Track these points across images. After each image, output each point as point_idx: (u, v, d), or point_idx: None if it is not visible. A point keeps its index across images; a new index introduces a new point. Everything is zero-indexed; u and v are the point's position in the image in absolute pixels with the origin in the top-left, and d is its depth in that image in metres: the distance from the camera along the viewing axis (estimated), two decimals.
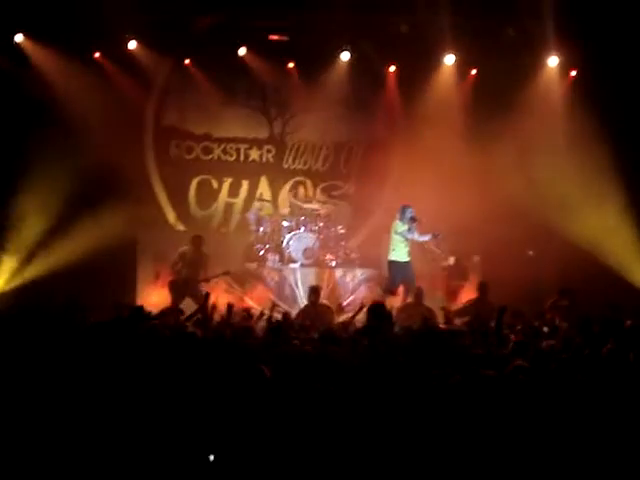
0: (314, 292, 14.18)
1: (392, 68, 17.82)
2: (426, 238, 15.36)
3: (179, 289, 15.36)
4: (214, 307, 12.20)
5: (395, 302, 14.61)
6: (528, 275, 16.34)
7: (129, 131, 17.18)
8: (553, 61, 17.28)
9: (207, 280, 15.34)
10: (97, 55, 16.79)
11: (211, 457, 6.06)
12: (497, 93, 16.84)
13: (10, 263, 16.03)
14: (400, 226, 15.15)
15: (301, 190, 18.07)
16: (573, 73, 17.41)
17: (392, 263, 15.29)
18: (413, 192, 16.55)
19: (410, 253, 15.32)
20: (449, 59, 17.37)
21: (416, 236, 15.17)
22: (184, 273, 15.59)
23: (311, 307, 14.01)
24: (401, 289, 15.27)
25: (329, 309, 14.29)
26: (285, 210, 17.69)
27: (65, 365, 7.23)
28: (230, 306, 11.77)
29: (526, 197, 16.28)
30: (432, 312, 13.89)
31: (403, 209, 15.23)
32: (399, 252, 15.21)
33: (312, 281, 15.91)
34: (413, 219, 15.11)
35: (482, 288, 14.93)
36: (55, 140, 15.83)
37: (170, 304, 14.41)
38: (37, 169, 15.97)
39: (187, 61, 17.43)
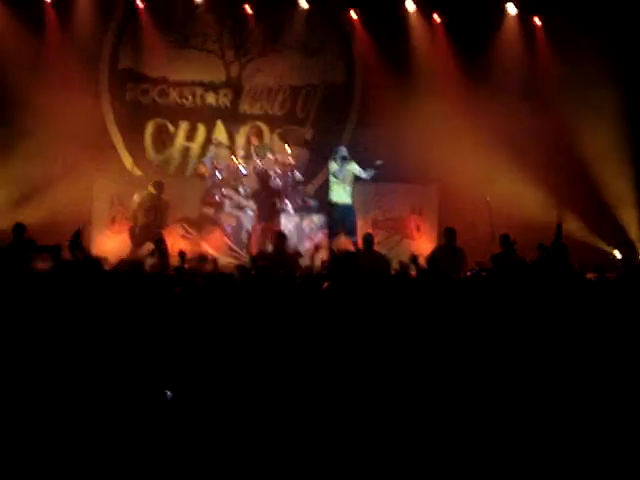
0: (281, 238, 14.05)
1: (354, 14, 17.68)
2: (365, 174, 15.27)
3: (139, 235, 15.33)
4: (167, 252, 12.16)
5: (342, 246, 14.63)
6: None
7: (84, 75, 16.98)
8: (512, 9, 17.37)
9: (165, 226, 15.41)
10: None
11: (168, 393, 6.09)
12: (461, 39, 16.95)
13: None
14: (333, 166, 15.27)
15: (258, 135, 17.98)
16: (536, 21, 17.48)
17: (330, 205, 15.39)
18: (371, 137, 16.65)
19: (352, 195, 15.37)
20: (410, 4, 17.36)
21: (347, 173, 15.18)
22: (143, 218, 15.54)
23: (277, 254, 13.89)
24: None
25: (297, 255, 14.22)
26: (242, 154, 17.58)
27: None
28: (182, 253, 11.80)
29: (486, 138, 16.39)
30: (383, 259, 13.73)
31: (336, 149, 15.41)
32: (337, 193, 15.29)
33: None
34: (344, 158, 15.19)
35: (448, 234, 14.26)
36: (8, 84, 15.74)
37: (130, 250, 14.43)
38: None
39: (142, 3, 17.23)
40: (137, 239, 15.28)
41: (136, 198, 15.72)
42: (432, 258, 12.47)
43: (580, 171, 16.80)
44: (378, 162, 15.12)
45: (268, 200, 16.40)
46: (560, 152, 16.76)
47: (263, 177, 16.46)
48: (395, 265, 13.00)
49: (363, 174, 15.23)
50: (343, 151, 15.31)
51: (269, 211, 16.30)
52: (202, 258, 12.77)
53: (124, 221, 15.82)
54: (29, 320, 6.55)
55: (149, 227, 15.41)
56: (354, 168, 15.26)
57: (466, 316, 6.67)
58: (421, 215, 16.96)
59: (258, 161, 16.87)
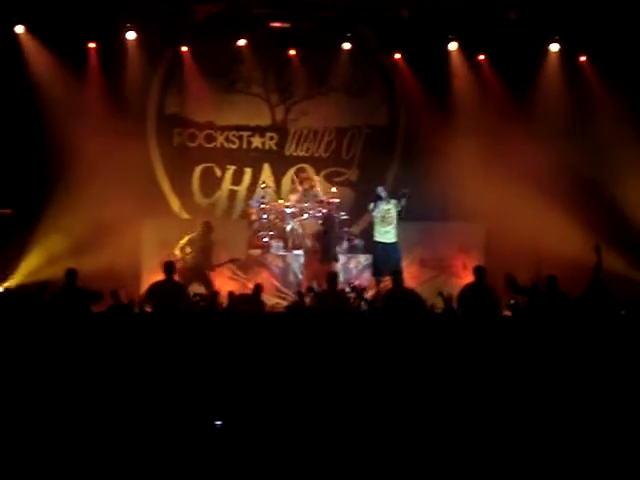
0: (333, 278, 14.10)
1: (397, 55, 17.80)
2: (390, 205, 15.40)
3: (187, 275, 15.45)
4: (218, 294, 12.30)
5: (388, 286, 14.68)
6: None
7: (132, 122, 17.22)
8: (554, 47, 17.38)
9: (215, 268, 15.54)
10: (93, 46, 16.88)
11: (218, 423, 6.15)
12: (504, 78, 17.03)
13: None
14: (370, 206, 15.47)
15: (304, 177, 18.10)
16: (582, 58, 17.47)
17: (373, 244, 15.57)
18: (417, 177, 16.75)
19: (395, 235, 15.44)
20: (452, 45, 17.45)
21: (380, 209, 15.33)
22: (192, 259, 15.69)
23: (329, 294, 13.92)
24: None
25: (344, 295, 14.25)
26: (289, 197, 17.68)
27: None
28: (231, 294, 11.91)
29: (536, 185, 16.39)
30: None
31: (374, 189, 15.53)
32: (377, 233, 15.49)
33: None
34: (379, 197, 15.36)
35: (478, 272, 13.98)
36: (57, 132, 16.05)
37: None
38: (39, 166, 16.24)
39: (186, 49, 17.47)
40: (186, 280, 15.40)
41: (185, 239, 15.85)
42: (462, 296, 12.51)
43: (620, 209, 16.74)
44: (404, 190, 15.28)
45: (329, 242, 16.52)
46: (600, 190, 16.76)
47: (326, 219, 16.60)
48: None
49: (387, 205, 15.35)
50: (379, 190, 15.46)
51: (328, 252, 16.42)
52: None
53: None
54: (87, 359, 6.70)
55: (198, 268, 15.56)
56: (391, 206, 15.35)
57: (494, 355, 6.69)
58: (468, 254, 16.92)
59: (305, 204, 17.01)
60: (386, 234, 15.43)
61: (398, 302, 12.67)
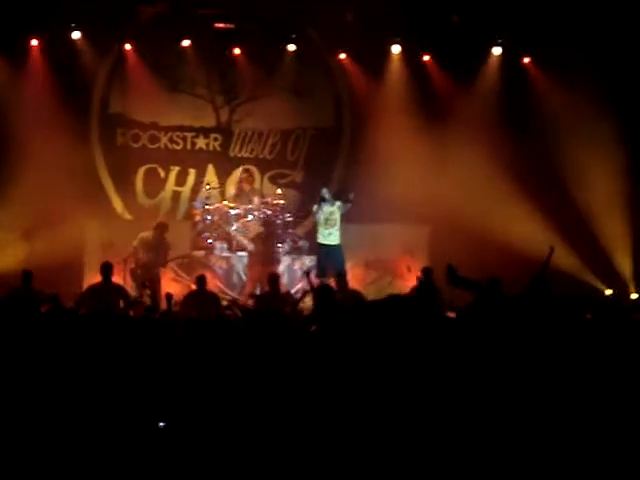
0: (275, 280, 14.12)
1: (342, 55, 17.81)
2: (334, 208, 15.35)
3: (139, 276, 15.40)
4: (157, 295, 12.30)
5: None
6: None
7: (74, 120, 17.06)
8: (497, 50, 17.51)
9: (166, 264, 15.51)
10: (35, 43, 16.73)
11: (161, 424, 6.13)
12: (447, 77, 17.15)
13: None
14: (314, 208, 15.49)
15: (248, 178, 18.03)
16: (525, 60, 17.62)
17: (317, 246, 15.61)
18: (361, 178, 16.78)
19: (338, 237, 15.44)
20: (396, 48, 17.51)
21: (324, 211, 15.29)
22: (144, 259, 15.61)
23: (270, 295, 13.91)
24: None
25: (289, 297, 14.26)
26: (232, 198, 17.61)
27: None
28: (169, 296, 11.91)
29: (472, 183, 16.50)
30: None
31: (321, 192, 15.50)
32: (320, 235, 15.48)
33: None
34: (323, 199, 15.31)
35: (426, 273, 14.41)
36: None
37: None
38: None
39: (131, 49, 17.36)
40: (138, 279, 15.34)
41: (139, 238, 15.76)
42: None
43: (577, 208, 16.94)
44: (350, 195, 15.29)
45: (271, 244, 16.51)
46: (556, 188, 16.93)
47: (268, 222, 16.57)
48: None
49: (332, 207, 15.35)
50: (323, 192, 15.42)
51: (271, 255, 16.40)
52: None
53: (116, 265, 15.76)
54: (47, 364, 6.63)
55: (149, 266, 15.49)
56: (334, 208, 15.35)
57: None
58: (412, 256, 16.97)
59: (250, 205, 16.96)
60: (329, 236, 15.40)
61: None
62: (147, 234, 15.81)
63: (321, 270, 15.29)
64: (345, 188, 15.97)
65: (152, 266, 15.56)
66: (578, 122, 16.66)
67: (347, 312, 9.67)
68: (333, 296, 10.84)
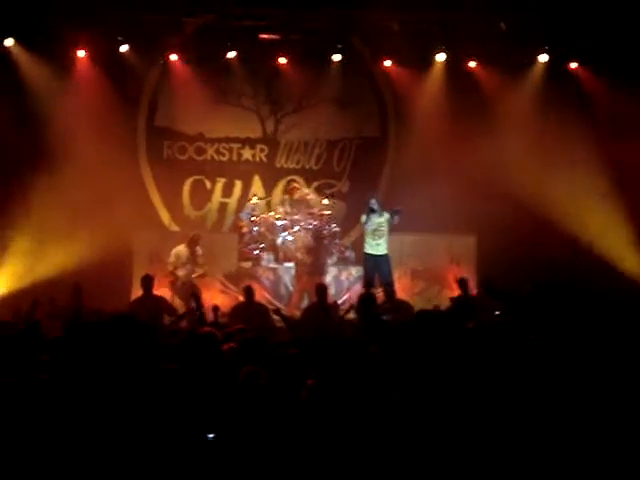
0: (322, 290, 13.97)
1: (387, 63, 17.71)
2: (382, 219, 15.29)
3: (179, 289, 15.47)
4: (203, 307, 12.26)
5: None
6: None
7: (121, 133, 17.16)
8: (543, 57, 17.36)
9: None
10: (82, 55, 16.82)
11: (210, 435, 6.12)
12: (491, 90, 17.01)
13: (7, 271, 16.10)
14: (362, 218, 15.36)
15: (294, 189, 18.02)
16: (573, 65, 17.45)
17: (364, 256, 15.48)
18: (406, 189, 16.66)
19: (385, 247, 15.37)
20: (441, 56, 17.41)
21: (373, 221, 15.23)
22: (180, 273, 15.67)
23: (318, 306, 13.80)
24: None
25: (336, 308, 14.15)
26: (280, 209, 17.59)
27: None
28: (216, 308, 11.90)
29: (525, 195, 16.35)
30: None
31: (366, 201, 15.40)
32: (368, 245, 15.39)
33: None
34: (372, 210, 15.24)
35: (462, 284, 14.39)
36: (49, 139, 16.00)
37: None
38: (28, 174, 16.13)
39: (177, 61, 17.41)
40: (178, 292, 15.42)
41: (173, 254, 15.82)
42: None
43: None
44: (397, 207, 15.21)
45: (318, 255, 16.50)
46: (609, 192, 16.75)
47: (314, 232, 16.57)
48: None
49: (380, 218, 15.29)
50: (371, 203, 15.34)
51: (318, 265, 16.41)
52: None
53: (163, 278, 15.80)
54: None
55: (185, 280, 15.57)
56: (383, 219, 15.29)
57: None
58: (459, 266, 16.87)
59: (296, 216, 16.95)
60: (377, 247, 15.35)
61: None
62: (180, 248, 15.87)
63: (368, 281, 15.24)
64: (391, 198, 15.82)
65: (189, 279, 15.62)
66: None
67: (387, 325, 9.68)
68: (374, 305, 10.78)
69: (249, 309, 13.67)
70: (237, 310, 13.73)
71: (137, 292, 15.59)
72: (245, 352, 7.97)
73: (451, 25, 17.04)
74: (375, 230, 15.30)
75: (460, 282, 14.47)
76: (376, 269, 15.30)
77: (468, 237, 17.04)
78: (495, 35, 17.00)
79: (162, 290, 15.40)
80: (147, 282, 13.88)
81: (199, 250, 15.94)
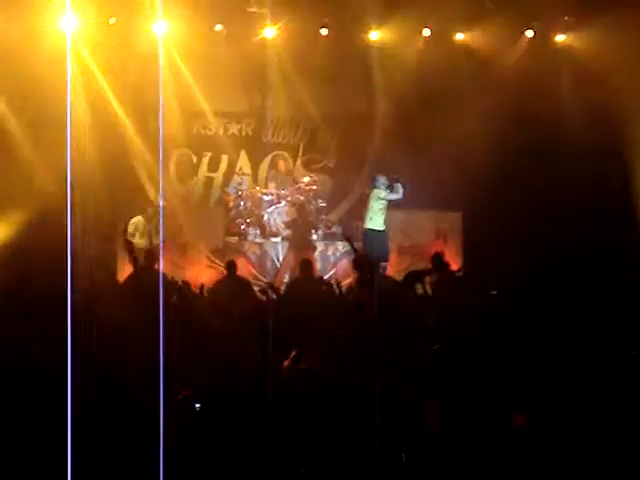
0: (308, 265, 14.00)
1: (374, 35, 17.59)
2: (398, 194, 15.35)
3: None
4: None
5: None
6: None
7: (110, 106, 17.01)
8: (529, 33, 17.35)
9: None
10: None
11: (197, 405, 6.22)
12: (478, 63, 16.94)
13: None
14: (382, 192, 15.25)
15: (281, 163, 18.00)
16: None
17: (370, 232, 15.37)
18: (395, 164, 16.63)
19: (383, 223, 15.36)
20: (426, 31, 17.35)
21: (376, 196, 15.26)
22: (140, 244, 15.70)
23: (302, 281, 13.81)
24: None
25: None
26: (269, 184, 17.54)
27: None
28: (202, 286, 11.90)
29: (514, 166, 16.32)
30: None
31: (375, 177, 15.43)
32: (377, 220, 15.32)
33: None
34: (394, 179, 15.23)
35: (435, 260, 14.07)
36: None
37: None
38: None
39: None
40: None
41: (132, 223, 15.86)
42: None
43: None
44: (398, 185, 15.23)
45: (305, 230, 16.49)
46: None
47: (301, 207, 16.55)
48: None
49: (395, 195, 15.25)
50: (376, 178, 15.33)
51: (304, 241, 16.39)
52: None
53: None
54: None
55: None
56: (384, 194, 15.31)
57: None
58: (445, 242, 16.89)
59: (282, 191, 16.93)
60: (383, 221, 15.33)
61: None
62: (139, 218, 15.86)
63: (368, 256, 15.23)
64: (394, 178, 15.70)
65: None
66: None
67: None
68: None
69: (231, 284, 13.63)
70: (219, 285, 13.69)
71: (122, 266, 15.62)
72: None
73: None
74: (376, 205, 15.25)
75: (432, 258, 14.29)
76: (374, 244, 15.22)
77: (454, 213, 17.05)
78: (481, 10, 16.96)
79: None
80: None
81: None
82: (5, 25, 15.49)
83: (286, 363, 6.97)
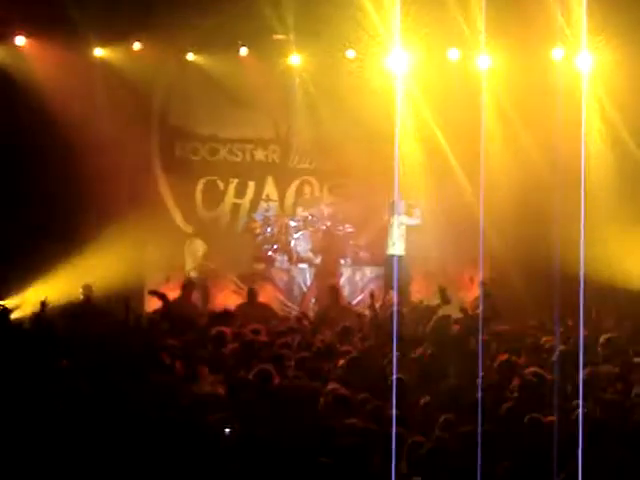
0: (334, 292, 14.02)
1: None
2: (404, 218, 15.44)
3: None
4: None
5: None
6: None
7: (134, 133, 17.03)
8: (559, 53, 17.12)
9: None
10: (99, 54, 16.72)
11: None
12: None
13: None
14: (403, 218, 15.24)
15: (307, 189, 17.95)
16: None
17: (393, 258, 15.37)
18: (418, 188, 16.56)
19: (403, 248, 15.41)
20: (453, 53, 17.21)
21: (396, 222, 15.35)
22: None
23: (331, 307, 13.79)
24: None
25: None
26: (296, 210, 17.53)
27: None
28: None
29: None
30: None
31: (395, 203, 15.39)
32: (399, 246, 15.34)
33: None
34: (394, 209, 15.34)
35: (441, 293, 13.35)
36: (60, 140, 15.89)
37: None
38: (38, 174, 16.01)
39: (191, 59, 17.30)
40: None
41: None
42: None
43: None
44: (416, 210, 15.41)
45: (334, 256, 16.46)
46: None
47: (328, 233, 16.54)
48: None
49: (414, 221, 15.22)
50: (395, 203, 15.33)
51: (333, 267, 16.35)
52: None
53: (177, 281, 15.70)
54: None
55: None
56: (403, 219, 15.29)
57: None
58: (475, 267, 16.74)
59: (310, 216, 16.90)
60: (404, 247, 15.29)
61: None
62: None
63: (389, 281, 15.20)
64: (411, 203, 15.67)
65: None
66: None
67: None
68: None
69: (251, 310, 13.61)
70: (239, 311, 13.62)
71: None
72: None
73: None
74: (397, 231, 15.24)
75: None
76: (402, 269, 15.20)
77: (482, 237, 16.88)
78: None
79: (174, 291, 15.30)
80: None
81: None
82: None
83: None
